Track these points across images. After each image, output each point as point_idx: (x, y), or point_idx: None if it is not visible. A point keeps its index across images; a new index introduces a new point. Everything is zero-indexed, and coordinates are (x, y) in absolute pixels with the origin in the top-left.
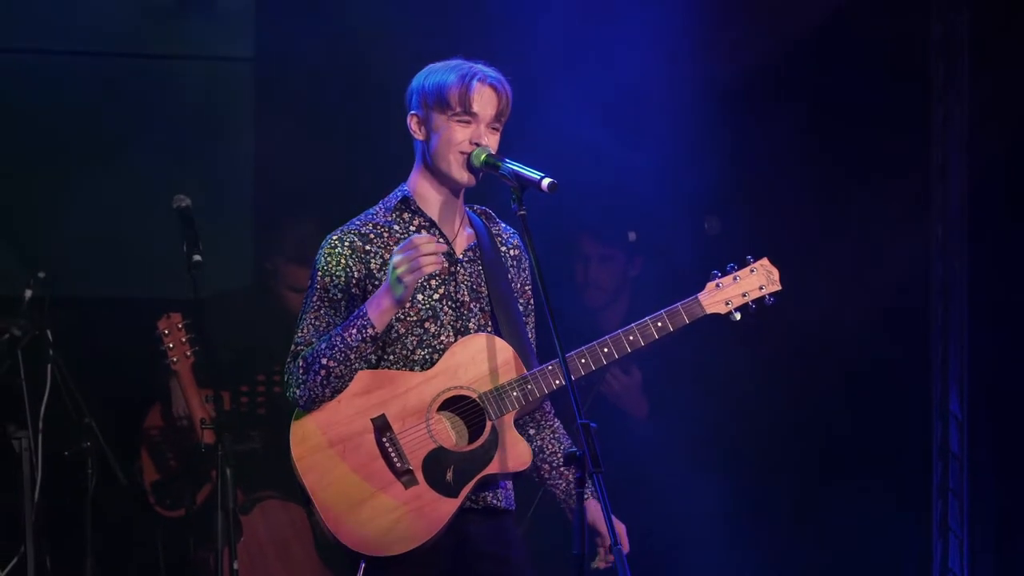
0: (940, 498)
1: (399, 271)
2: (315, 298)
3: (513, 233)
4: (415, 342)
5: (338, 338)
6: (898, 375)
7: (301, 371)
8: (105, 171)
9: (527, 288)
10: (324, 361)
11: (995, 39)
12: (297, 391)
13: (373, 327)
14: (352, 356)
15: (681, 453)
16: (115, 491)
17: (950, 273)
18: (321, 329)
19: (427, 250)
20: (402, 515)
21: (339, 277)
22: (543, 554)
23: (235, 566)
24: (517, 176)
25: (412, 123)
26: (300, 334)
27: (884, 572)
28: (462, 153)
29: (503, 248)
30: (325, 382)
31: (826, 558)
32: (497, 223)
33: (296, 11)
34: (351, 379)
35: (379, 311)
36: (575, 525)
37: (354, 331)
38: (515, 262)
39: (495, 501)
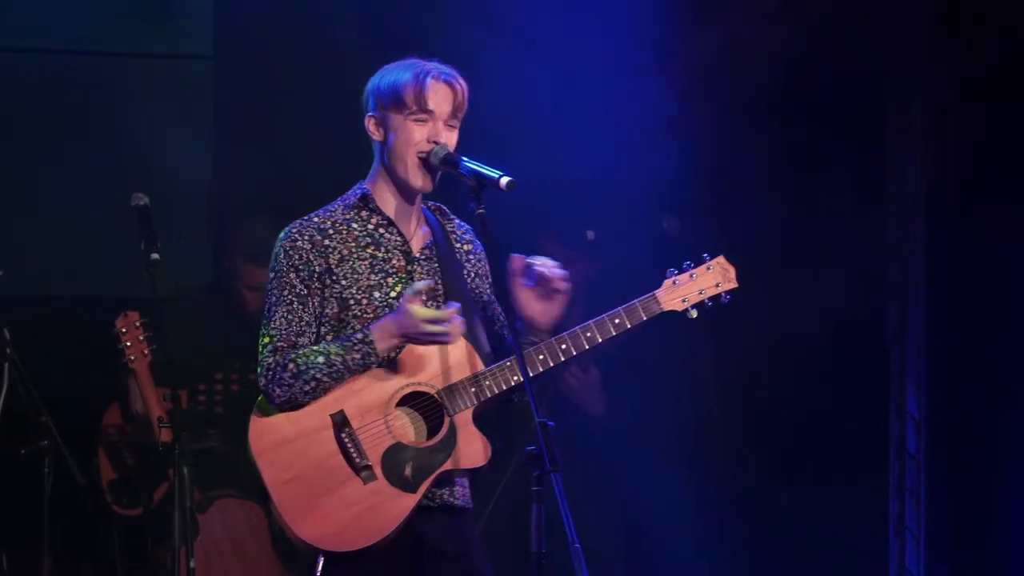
0: (897, 498)
1: (430, 329)
2: (285, 292)
3: (467, 229)
4: None
5: (338, 358)
6: (856, 375)
7: (288, 375)
8: (63, 169)
9: (480, 284)
10: (318, 375)
11: (950, 39)
12: (278, 390)
13: (377, 357)
14: (347, 376)
15: (639, 452)
16: (72, 490)
17: (907, 274)
18: (295, 324)
19: (456, 328)
20: (361, 511)
21: (303, 271)
22: (500, 552)
23: (192, 565)
24: (476, 174)
25: (370, 125)
26: (274, 326)
27: (842, 572)
28: (419, 153)
29: (458, 244)
30: (311, 392)
31: (784, 557)
32: (451, 219)
33: (255, 10)
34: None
35: (389, 346)
36: (532, 524)
37: (358, 356)
38: (469, 257)
39: (451, 499)
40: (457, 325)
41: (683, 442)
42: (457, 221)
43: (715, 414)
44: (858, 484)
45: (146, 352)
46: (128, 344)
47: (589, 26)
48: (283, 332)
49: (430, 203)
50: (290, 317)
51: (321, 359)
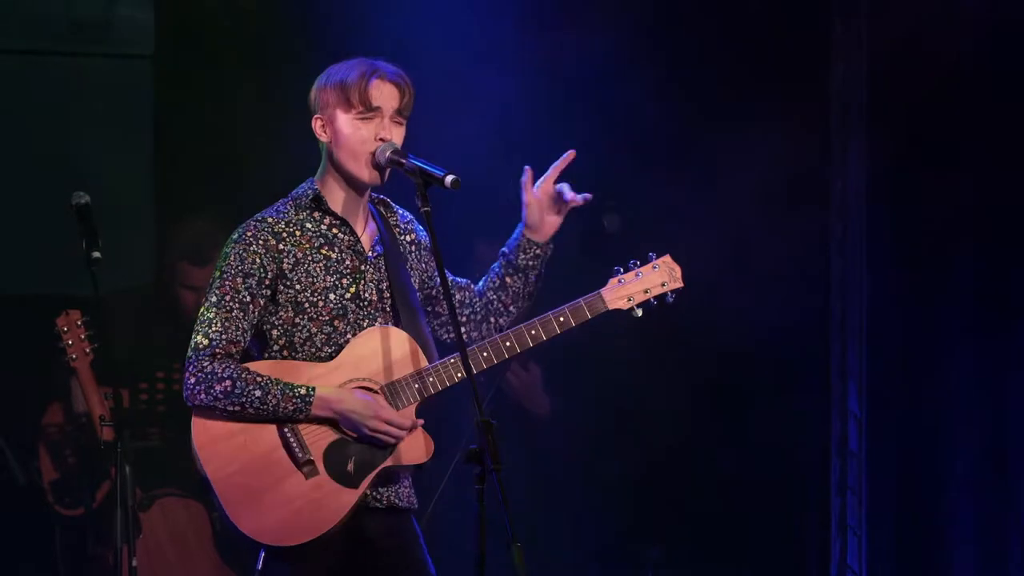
0: (839, 496)
1: (374, 429)
2: (227, 296)
3: (410, 219)
4: (323, 339)
5: (274, 400)
6: (797, 372)
7: (220, 390)
8: (3, 168)
9: (426, 276)
10: (247, 406)
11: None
12: (202, 396)
13: (306, 419)
14: (269, 418)
15: (579, 449)
16: (13, 490)
17: (848, 270)
18: (231, 331)
19: (403, 435)
20: (302, 505)
21: (252, 277)
22: (443, 550)
23: (134, 564)
24: (422, 172)
25: (316, 126)
26: (214, 329)
27: (784, 570)
28: (368, 151)
29: (401, 237)
30: (230, 415)
31: (726, 556)
32: (394, 212)
33: (196, 8)
34: None
35: (322, 416)
36: (474, 522)
37: (290, 408)
38: (414, 248)
39: (396, 500)
40: (405, 435)
41: (620, 438)
42: (400, 212)
43: (654, 412)
44: (800, 481)
45: (88, 351)
46: (69, 343)
47: (529, 31)
48: (222, 337)
49: (373, 195)
50: (228, 323)
51: (258, 393)
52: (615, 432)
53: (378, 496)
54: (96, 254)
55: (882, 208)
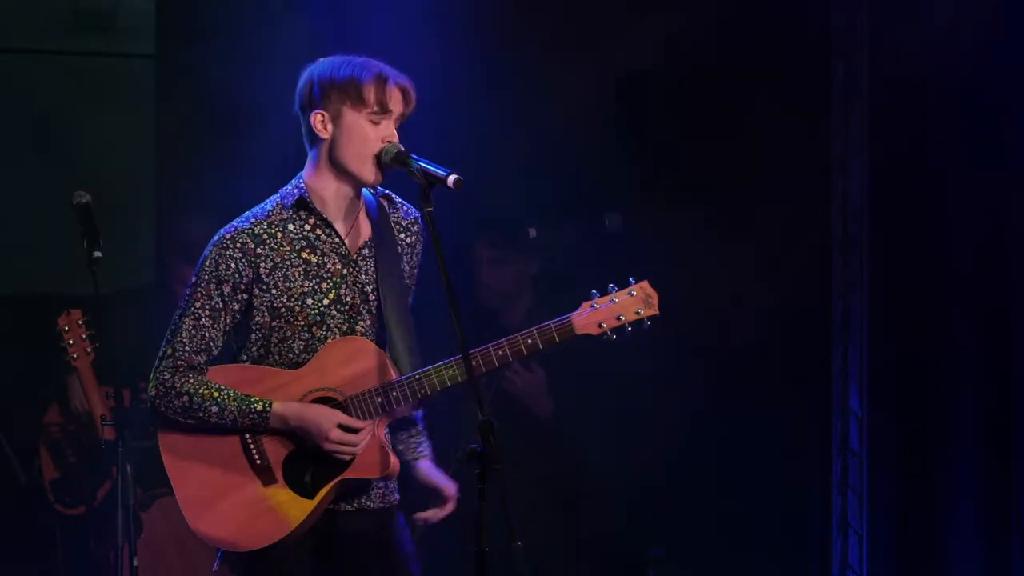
0: (840, 495)
1: (327, 448)
2: (198, 303)
3: (415, 219)
4: (301, 346)
5: (231, 416)
6: (798, 372)
7: (178, 405)
8: (5, 167)
9: (415, 272)
10: (204, 419)
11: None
12: (162, 409)
13: (265, 432)
14: (228, 428)
15: (580, 449)
16: (14, 489)
17: (850, 270)
18: (198, 340)
19: (356, 450)
20: (256, 513)
21: (227, 283)
22: (443, 550)
23: (135, 563)
24: (425, 173)
25: (316, 121)
26: (178, 340)
27: (785, 569)
28: (373, 152)
29: (400, 236)
30: (191, 427)
31: (727, 555)
32: (397, 208)
33: (197, 7)
34: None
35: (280, 429)
36: (474, 522)
37: (248, 423)
38: (410, 249)
39: (368, 502)
40: (360, 450)
41: (622, 438)
42: (403, 210)
43: (655, 411)
44: (801, 481)
45: (88, 350)
46: (70, 342)
47: (526, 21)
48: (185, 349)
49: (378, 190)
50: (194, 332)
51: (215, 409)
52: (616, 431)
53: (349, 501)
54: (97, 253)
55: (883, 207)
